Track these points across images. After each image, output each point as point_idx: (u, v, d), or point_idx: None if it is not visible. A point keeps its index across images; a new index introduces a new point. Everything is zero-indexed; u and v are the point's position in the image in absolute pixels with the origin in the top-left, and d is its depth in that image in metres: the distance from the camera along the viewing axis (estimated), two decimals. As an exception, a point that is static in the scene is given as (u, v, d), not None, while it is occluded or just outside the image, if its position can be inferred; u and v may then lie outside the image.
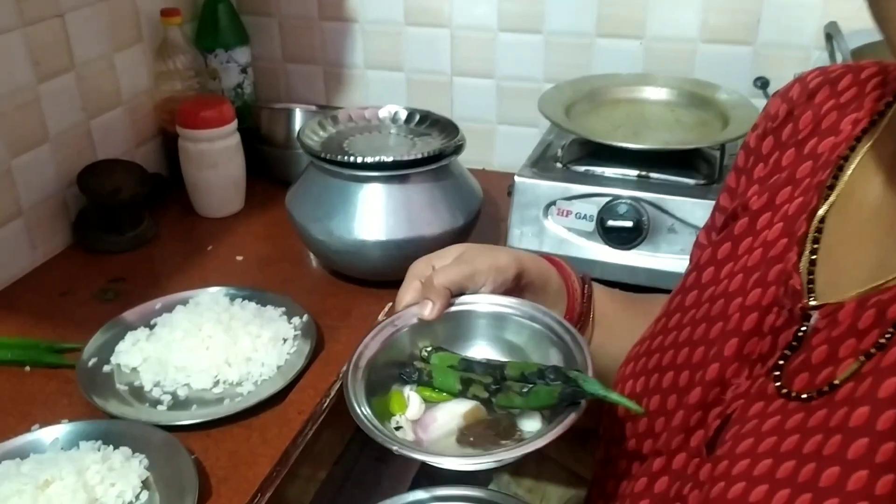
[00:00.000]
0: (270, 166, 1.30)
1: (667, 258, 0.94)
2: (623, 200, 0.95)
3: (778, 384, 0.49)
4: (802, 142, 0.58)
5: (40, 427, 0.78)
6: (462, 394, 0.58)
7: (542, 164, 1.04)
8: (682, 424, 0.54)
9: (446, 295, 0.61)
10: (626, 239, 0.95)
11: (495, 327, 0.63)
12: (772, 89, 1.17)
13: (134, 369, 0.88)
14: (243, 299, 0.96)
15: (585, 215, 0.97)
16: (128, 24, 1.21)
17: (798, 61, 1.08)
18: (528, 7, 1.24)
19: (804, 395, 0.47)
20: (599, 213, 0.95)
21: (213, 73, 1.34)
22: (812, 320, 0.50)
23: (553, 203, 0.98)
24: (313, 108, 1.35)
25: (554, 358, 0.58)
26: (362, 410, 0.54)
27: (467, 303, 0.63)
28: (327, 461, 0.88)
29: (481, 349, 0.63)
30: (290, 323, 0.93)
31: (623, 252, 0.96)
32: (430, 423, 0.55)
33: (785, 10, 1.12)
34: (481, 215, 1.07)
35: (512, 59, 1.29)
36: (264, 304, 0.96)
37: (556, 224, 0.98)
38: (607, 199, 0.96)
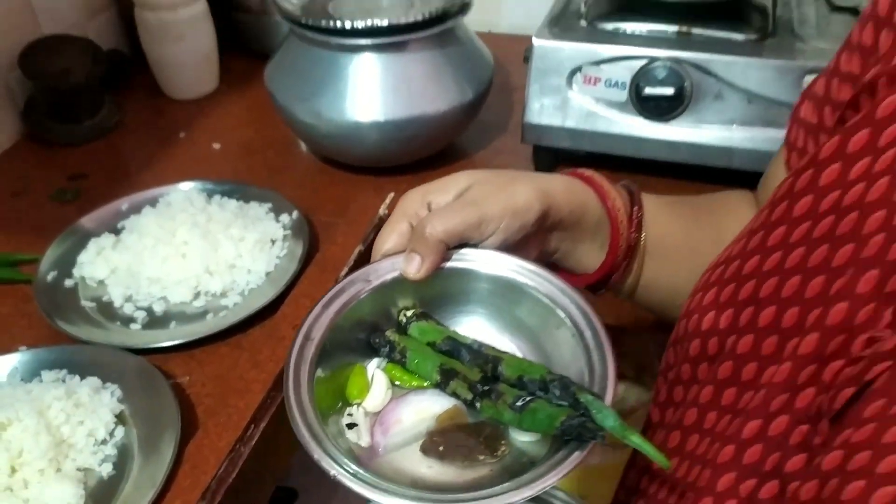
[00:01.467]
0: (247, 37, 1.15)
1: (713, 130, 0.80)
2: (661, 63, 0.80)
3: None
4: None
5: (-6, 355, 0.68)
6: (440, 387, 0.44)
7: (563, 22, 0.88)
8: (787, 380, 0.40)
9: (440, 249, 0.46)
10: (665, 109, 0.80)
11: (502, 297, 0.47)
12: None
13: (100, 282, 0.76)
14: (222, 196, 0.84)
15: (617, 82, 0.82)
16: None
17: None
18: None
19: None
20: (633, 79, 0.81)
21: (172, -71, 1.15)
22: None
23: (578, 69, 0.83)
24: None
25: (565, 357, 0.44)
26: (302, 413, 0.40)
27: (469, 259, 0.48)
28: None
29: (478, 324, 0.48)
30: (278, 221, 0.81)
31: (662, 125, 0.82)
32: (392, 424, 0.42)
33: None
34: (492, 88, 0.92)
35: None
36: (247, 201, 0.84)
37: (583, 94, 0.84)
38: (642, 61, 0.80)
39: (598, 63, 0.83)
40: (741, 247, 0.46)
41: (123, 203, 0.84)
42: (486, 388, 0.42)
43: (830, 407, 0.36)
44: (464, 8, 0.87)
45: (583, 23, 0.87)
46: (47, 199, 0.89)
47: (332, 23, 0.82)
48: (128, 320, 0.72)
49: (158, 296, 0.74)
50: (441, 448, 0.41)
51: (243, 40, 1.15)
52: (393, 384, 0.46)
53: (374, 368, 0.46)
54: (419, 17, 0.82)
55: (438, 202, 0.49)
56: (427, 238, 0.46)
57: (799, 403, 0.39)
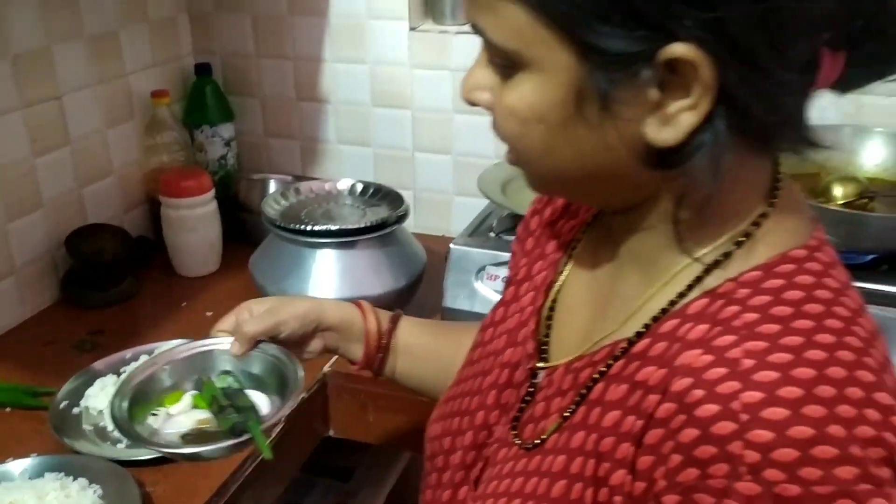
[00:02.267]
0: (247, 231, 1.42)
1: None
2: (543, 267, 1.06)
3: (514, 433, 0.59)
4: (555, 222, 0.67)
5: (13, 460, 0.89)
6: (209, 407, 0.73)
7: (477, 233, 1.16)
8: (461, 462, 0.64)
9: (251, 340, 0.74)
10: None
11: (243, 363, 0.76)
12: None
13: (100, 412, 0.99)
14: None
15: (511, 280, 1.08)
16: (121, 103, 1.36)
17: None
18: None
19: (529, 444, 0.57)
20: (523, 277, 1.07)
21: (200, 147, 1.48)
22: (539, 379, 0.60)
23: (483, 268, 1.09)
24: (289, 178, 1.48)
25: (281, 391, 0.73)
26: (119, 402, 0.72)
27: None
28: (270, 495, 0.98)
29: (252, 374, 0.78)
30: (243, 372, 1.04)
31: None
32: (173, 420, 0.73)
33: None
34: (431, 276, 1.18)
35: (466, 137, 1.42)
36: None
37: (486, 287, 1.09)
38: (530, 265, 1.07)
39: (498, 264, 1.09)
40: (456, 377, 0.72)
41: (128, 353, 1.08)
42: (220, 409, 0.71)
43: (477, 473, 0.62)
44: (400, 218, 1.15)
45: (491, 234, 1.15)
46: (70, 347, 1.14)
47: (300, 226, 1.10)
48: (116, 441, 0.94)
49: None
50: (189, 438, 0.71)
51: (245, 233, 1.43)
52: (195, 406, 0.74)
53: (190, 395, 0.75)
54: (366, 224, 1.10)
55: (256, 311, 0.77)
56: (244, 332, 0.74)
57: (472, 477, 0.64)
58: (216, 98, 1.47)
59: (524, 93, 0.47)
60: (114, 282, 1.26)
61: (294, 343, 0.77)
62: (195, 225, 1.32)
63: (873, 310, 0.90)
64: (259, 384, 0.75)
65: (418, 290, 1.18)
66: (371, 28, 1.41)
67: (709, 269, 0.50)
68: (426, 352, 0.82)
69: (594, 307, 0.59)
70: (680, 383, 0.45)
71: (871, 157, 1.12)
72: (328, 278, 1.10)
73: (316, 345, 0.79)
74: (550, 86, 0.46)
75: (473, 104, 0.52)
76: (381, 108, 1.46)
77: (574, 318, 0.61)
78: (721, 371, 0.43)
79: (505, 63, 0.48)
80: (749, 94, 0.44)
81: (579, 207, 0.66)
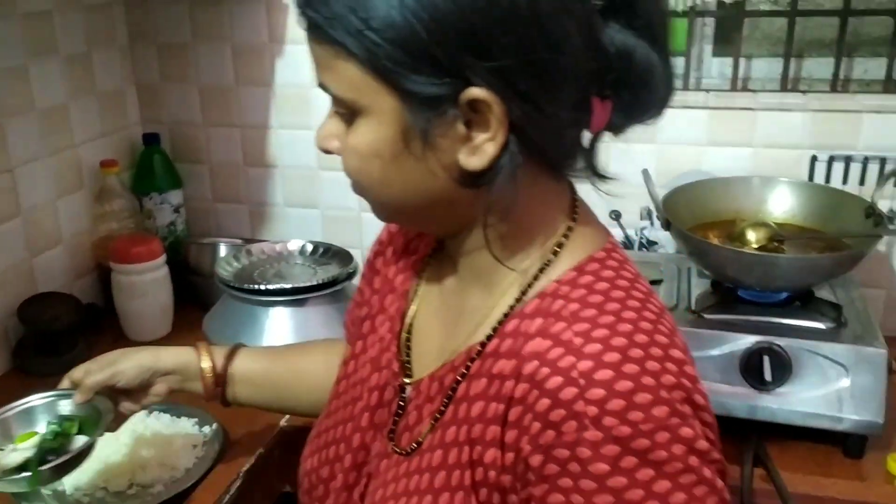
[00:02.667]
0: (198, 294, 1.45)
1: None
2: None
3: (392, 444, 0.68)
4: (399, 259, 0.76)
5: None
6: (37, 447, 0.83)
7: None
8: (343, 485, 0.72)
9: (90, 389, 0.84)
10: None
11: (81, 408, 0.86)
12: (623, 219, 1.38)
13: None
14: (160, 412, 1.10)
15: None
16: (71, 174, 1.39)
17: (637, 196, 1.30)
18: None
19: (407, 450, 0.65)
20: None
21: (149, 214, 1.52)
22: (407, 393, 0.69)
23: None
24: (238, 241, 1.52)
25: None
26: None
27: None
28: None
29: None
30: (200, 431, 1.07)
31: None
32: (9, 455, 0.81)
33: (622, 159, 1.34)
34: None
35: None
36: (179, 416, 1.10)
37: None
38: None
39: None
40: (325, 410, 0.78)
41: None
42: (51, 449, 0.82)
43: (361, 490, 0.70)
44: (350, 276, 1.20)
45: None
46: (24, 415, 1.14)
47: (254, 286, 1.14)
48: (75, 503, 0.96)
49: (101, 485, 0.98)
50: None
51: (196, 296, 1.45)
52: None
53: (38, 434, 0.84)
54: (317, 282, 1.15)
55: (98, 363, 0.86)
56: (84, 384, 0.84)
57: (355, 496, 0.71)
58: (164, 166, 1.52)
59: (362, 134, 0.58)
60: (66, 349, 1.27)
61: (137, 390, 0.87)
62: (146, 290, 1.35)
63: (789, 342, 1.00)
64: (86, 428, 0.84)
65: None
66: (315, 96, 1.48)
67: (536, 276, 0.61)
68: (261, 377, 0.91)
69: (447, 324, 0.68)
70: (529, 367, 0.56)
71: (778, 205, 1.23)
72: (282, 335, 1.14)
73: (159, 388, 0.88)
74: (381, 126, 0.57)
75: (327, 152, 0.62)
76: (328, 171, 1.53)
77: (430, 336, 0.70)
78: (559, 351, 0.55)
79: (347, 111, 0.58)
80: (532, 127, 0.56)
81: (419, 243, 0.75)
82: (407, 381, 0.70)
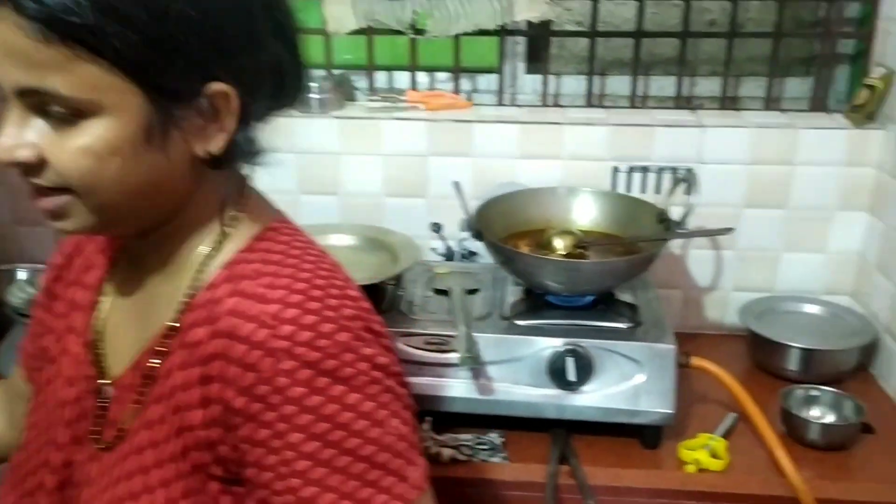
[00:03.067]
0: (-4, 324, 1.35)
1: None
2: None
3: (98, 445, 0.68)
4: (80, 276, 0.77)
5: None
6: None
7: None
8: None
9: None
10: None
11: None
12: (444, 231, 1.42)
13: None
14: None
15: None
16: None
17: (458, 208, 1.33)
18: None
19: (111, 443, 0.67)
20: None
21: (-62, 239, 1.39)
22: (108, 394, 0.70)
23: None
24: (41, 266, 1.41)
25: None
26: None
27: None
28: None
29: None
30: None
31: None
32: None
33: (440, 173, 1.38)
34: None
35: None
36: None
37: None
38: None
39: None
40: (19, 443, 0.77)
41: None
42: None
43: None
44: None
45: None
46: None
47: (50, 312, 1.07)
48: None
49: None
50: None
51: (-6, 326, 1.36)
52: None
53: None
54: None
55: None
56: None
57: None
58: (-44, 187, 1.40)
59: (97, 134, 0.57)
60: None
61: None
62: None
63: (591, 342, 1.05)
64: None
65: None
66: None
67: (216, 249, 0.66)
68: None
69: (139, 318, 0.70)
70: (223, 323, 0.60)
71: (583, 213, 1.30)
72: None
73: None
74: (122, 123, 0.58)
75: (16, 164, 0.58)
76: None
77: (124, 335, 0.71)
78: (248, 303, 0.61)
79: (71, 113, 0.57)
80: (247, 117, 0.63)
81: (99, 257, 0.76)
82: (106, 382, 0.70)
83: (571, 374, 1.05)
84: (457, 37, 1.44)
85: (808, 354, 1.23)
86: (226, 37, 0.59)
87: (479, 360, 1.07)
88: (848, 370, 1.25)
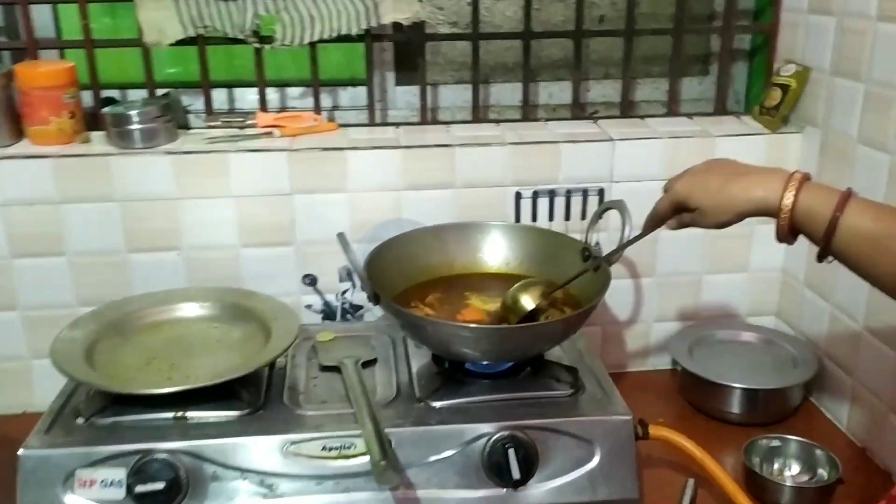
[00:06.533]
0: None
1: (218, 508, 0.83)
2: (154, 457, 0.82)
3: None
4: None
5: None
6: None
7: (61, 422, 0.87)
8: None
9: None
10: (164, 502, 0.81)
11: None
12: (320, 284, 1.16)
13: None
14: None
15: (113, 482, 0.82)
16: None
17: (334, 255, 1.07)
18: (43, 228, 1.09)
19: None
20: (128, 477, 0.81)
21: None
22: None
23: (72, 474, 0.81)
24: None
25: None
26: None
27: None
28: None
29: None
30: None
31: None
32: None
33: (310, 211, 1.12)
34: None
35: (34, 286, 1.11)
36: None
37: (83, 499, 0.81)
38: (136, 457, 0.82)
39: (93, 464, 0.82)
40: None
41: None
42: None
43: None
44: None
45: (80, 420, 0.87)
46: None
47: None
48: None
49: None
50: None
51: None
52: None
53: None
54: None
55: None
56: None
57: None
58: None
59: None
60: None
61: None
62: None
63: (531, 424, 0.84)
64: None
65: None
66: None
67: None
68: None
69: None
70: None
71: (493, 254, 1.09)
72: None
73: None
74: None
75: None
76: None
77: None
78: None
79: None
80: None
81: None
82: None
83: (516, 471, 0.84)
84: (312, 45, 1.18)
85: (752, 395, 1.09)
86: None
87: (399, 468, 0.83)
88: (794, 406, 1.13)
